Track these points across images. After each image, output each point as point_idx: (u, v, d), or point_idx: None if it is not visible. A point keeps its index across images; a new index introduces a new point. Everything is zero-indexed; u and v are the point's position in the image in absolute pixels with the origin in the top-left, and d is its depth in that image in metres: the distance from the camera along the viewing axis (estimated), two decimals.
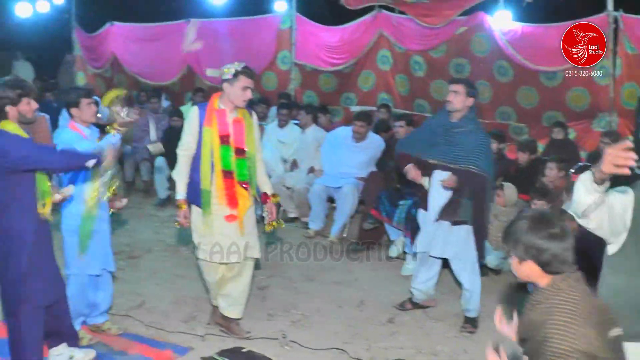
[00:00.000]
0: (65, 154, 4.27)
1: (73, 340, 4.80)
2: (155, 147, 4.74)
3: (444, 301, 5.98)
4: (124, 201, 5.24)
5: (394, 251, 7.10)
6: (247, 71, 4.91)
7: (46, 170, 4.23)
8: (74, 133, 4.83)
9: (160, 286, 6.44)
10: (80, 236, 4.90)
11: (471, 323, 5.45)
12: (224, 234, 5.06)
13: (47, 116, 10.35)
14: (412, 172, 5.35)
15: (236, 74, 4.88)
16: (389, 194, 6.99)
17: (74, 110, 4.89)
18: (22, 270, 4.22)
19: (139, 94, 12.19)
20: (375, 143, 7.98)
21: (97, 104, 10.47)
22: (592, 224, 2.83)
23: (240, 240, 5.08)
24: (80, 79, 13.66)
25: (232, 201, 5.03)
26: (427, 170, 5.33)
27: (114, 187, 4.99)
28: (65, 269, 4.99)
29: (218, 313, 5.48)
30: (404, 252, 6.92)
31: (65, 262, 4.99)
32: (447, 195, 5.23)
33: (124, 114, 4.73)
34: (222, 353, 4.97)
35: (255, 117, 5.22)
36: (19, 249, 4.22)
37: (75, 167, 4.42)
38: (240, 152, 5.02)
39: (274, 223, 5.28)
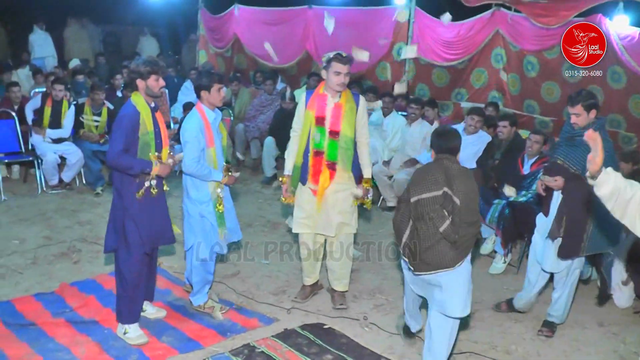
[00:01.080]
0: (126, 162, 4.68)
1: (150, 295, 5.45)
2: None
3: None
4: (237, 174, 5.55)
5: (484, 249, 7.11)
6: (339, 57, 5.22)
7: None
8: (198, 116, 5.20)
9: (255, 259, 6.80)
10: (217, 220, 5.35)
11: (550, 327, 5.43)
12: (309, 208, 5.50)
13: (166, 91, 11.02)
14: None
15: (329, 61, 5.25)
16: (484, 191, 7.01)
17: (204, 93, 5.23)
18: (132, 221, 4.80)
19: (255, 74, 12.65)
20: (483, 138, 8.00)
21: None
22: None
23: (331, 214, 5.45)
24: (202, 58, 14.27)
25: (315, 178, 5.41)
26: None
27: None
28: (187, 244, 5.44)
29: (307, 291, 5.84)
30: (494, 251, 6.96)
31: (188, 237, 5.41)
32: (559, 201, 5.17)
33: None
34: (304, 327, 5.28)
35: (362, 102, 5.47)
36: (128, 204, 4.79)
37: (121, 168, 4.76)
38: (334, 134, 5.34)
39: (359, 201, 5.61)
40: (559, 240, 5.11)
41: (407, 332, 5.16)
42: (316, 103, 5.39)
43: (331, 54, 5.28)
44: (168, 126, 9.65)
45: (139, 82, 4.74)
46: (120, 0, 15.99)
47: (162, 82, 4.81)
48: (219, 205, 5.31)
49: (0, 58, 14.69)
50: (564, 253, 5.11)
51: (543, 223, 5.38)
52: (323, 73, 5.37)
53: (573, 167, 5.02)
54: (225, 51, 13.90)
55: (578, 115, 5.00)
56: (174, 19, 15.83)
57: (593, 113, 4.99)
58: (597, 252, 5.25)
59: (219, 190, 5.30)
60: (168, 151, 4.90)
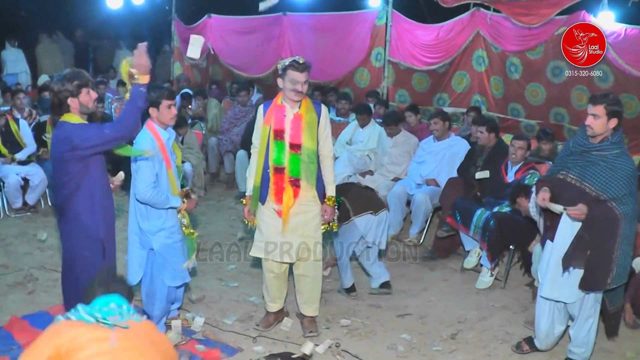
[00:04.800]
0: (119, 122, 4.25)
1: None
2: None
3: (514, 321, 5.59)
4: (195, 196, 5.18)
5: (468, 263, 6.66)
6: (295, 64, 4.76)
7: (113, 145, 4.25)
8: (150, 136, 4.72)
9: (223, 282, 6.36)
10: (188, 248, 4.99)
11: None
12: (271, 231, 5.05)
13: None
14: (540, 195, 4.54)
15: (285, 69, 4.79)
16: (467, 201, 6.62)
17: (152, 110, 4.72)
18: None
19: (231, 85, 12.26)
20: (458, 143, 7.64)
21: (190, 97, 10.58)
22: None
23: (290, 239, 5.02)
24: (177, 70, 13.88)
25: (278, 197, 4.96)
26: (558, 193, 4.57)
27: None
28: (136, 277, 4.98)
29: (271, 318, 5.41)
30: (480, 265, 6.51)
31: (137, 270, 4.97)
32: (574, 227, 4.48)
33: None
34: (270, 357, 4.80)
35: (324, 112, 5.03)
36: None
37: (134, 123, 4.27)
38: (295, 147, 4.88)
39: (327, 225, 5.23)
40: (578, 270, 4.47)
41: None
42: (274, 115, 4.93)
43: (287, 61, 4.82)
44: None
45: (72, 101, 4.18)
46: (91, 13, 15.55)
47: (93, 95, 4.26)
48: (186, 229, 4.92)
49: None
50: (588, 285, 4.46)
51: (549, 249, 4.71)
52: (279, 82, 4.89)
53: (592, 188, 4.38)
54: (200, 62, 13.48)
55: (596, 117, 4.36)
56: (147, 30, 15.40)
57: (613, 122, 4.38)
58: (622, 283, 4.60)
59: (179, 216, 4.87)
60: None
